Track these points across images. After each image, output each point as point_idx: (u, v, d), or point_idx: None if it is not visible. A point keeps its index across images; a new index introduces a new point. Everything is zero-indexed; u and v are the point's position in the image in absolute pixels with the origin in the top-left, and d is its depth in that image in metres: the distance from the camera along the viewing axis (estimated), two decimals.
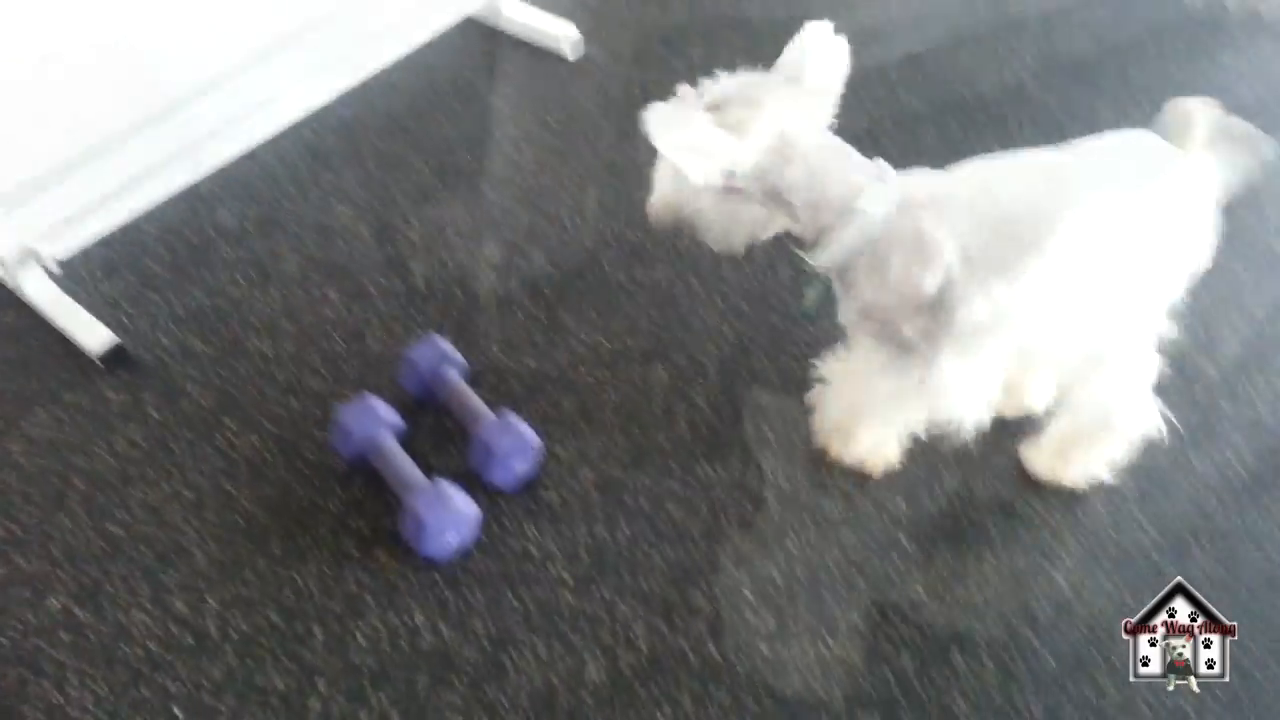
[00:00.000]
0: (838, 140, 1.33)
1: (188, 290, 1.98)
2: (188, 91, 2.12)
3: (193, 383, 1.83)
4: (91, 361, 1.84)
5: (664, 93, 2.34)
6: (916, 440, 1.64)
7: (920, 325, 1.34)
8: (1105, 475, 1.58)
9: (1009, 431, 1.67)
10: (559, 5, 2.58)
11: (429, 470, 1.62)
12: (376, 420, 1.64)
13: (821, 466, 1.64)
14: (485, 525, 1.58)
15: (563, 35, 2.48)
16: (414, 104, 2.38)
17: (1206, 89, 2.28)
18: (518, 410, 1.66)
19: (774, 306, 1.90)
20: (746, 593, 1.50)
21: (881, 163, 1.33)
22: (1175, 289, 1.40)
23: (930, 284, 1.29)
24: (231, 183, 2.18)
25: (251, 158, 2.21)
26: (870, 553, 1.54)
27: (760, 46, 2.42)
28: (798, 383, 1.74)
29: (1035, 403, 1.66)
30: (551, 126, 2.32)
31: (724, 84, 1.29)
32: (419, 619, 1.49)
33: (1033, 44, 2.50)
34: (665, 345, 1.85)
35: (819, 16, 1.33)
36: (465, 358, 1.78)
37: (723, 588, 1.51)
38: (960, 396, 1.41)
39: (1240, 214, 1.97)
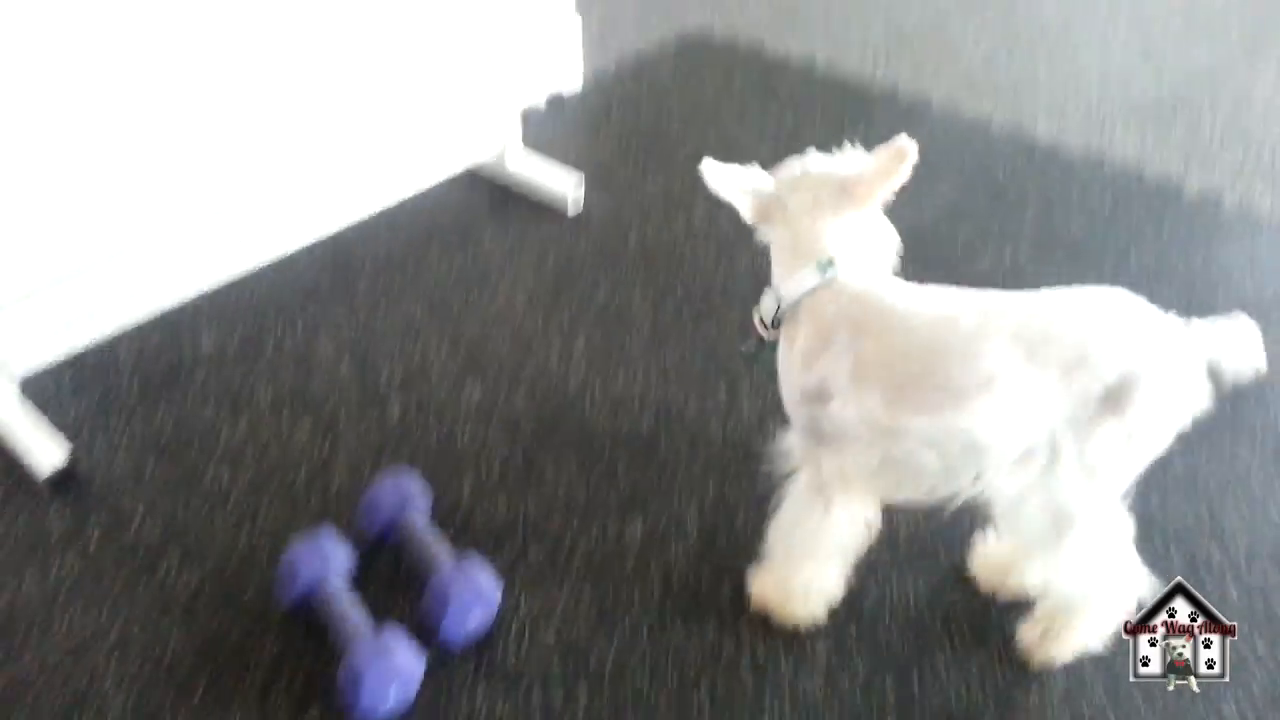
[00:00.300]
0: (831, 220, 1.36)
1: (153, 414, 1.91)
2: (182, 219, 2.12)
3: (141, 510, 1.72)
4: (40, 481, 1.74)
5: (663, 248, 2.35)
6: (907, 616, 1.52)
7: (805, 413, 1.36)
8: (1098, 647, 1.44)
9: (1005, 609, 1.55)
10: (562, 160, 2.61)
11: (378, 617, 1.49)
12: (325, 561, 1.52)
13: (804, 641, 1.51)
14: (431, 683, 1.44)
15: (566, 190, 2.50)
16: (412, 244, 2.37)
17: (1206, 277, 2.29)
18: (481, 556, 1.55)
19: (760, 463, 1.80)
20: None
21: (839, 255, 1.35)
22: (1139, 452, 1.27)
23: (809, 377, 1.32)
24: (217, 309, 2.14)
25: (241, 286, 2.18)
26: None
27: None
28: None
29: (1028, 582, 1.54)
30: (546, 273, 2.30)
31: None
32: None
33: (1032, 225, 2.50)
34: (644, 497, 1.74)
35: None
36: (432, 497, 1.68)
37: None
38: (841, 514, 1.39)
39: (1246, 404, 1.92)
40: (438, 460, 1.81)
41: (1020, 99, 3.09)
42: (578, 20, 3.03)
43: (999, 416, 1.22)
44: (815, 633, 1.52)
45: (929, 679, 1.46)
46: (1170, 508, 1.73)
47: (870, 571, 1.60)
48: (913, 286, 1.33)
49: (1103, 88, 3.16)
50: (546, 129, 2.86)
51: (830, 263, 1.34)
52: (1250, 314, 2.13)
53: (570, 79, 3.08)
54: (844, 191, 1.35)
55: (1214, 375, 1.26)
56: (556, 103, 3.01)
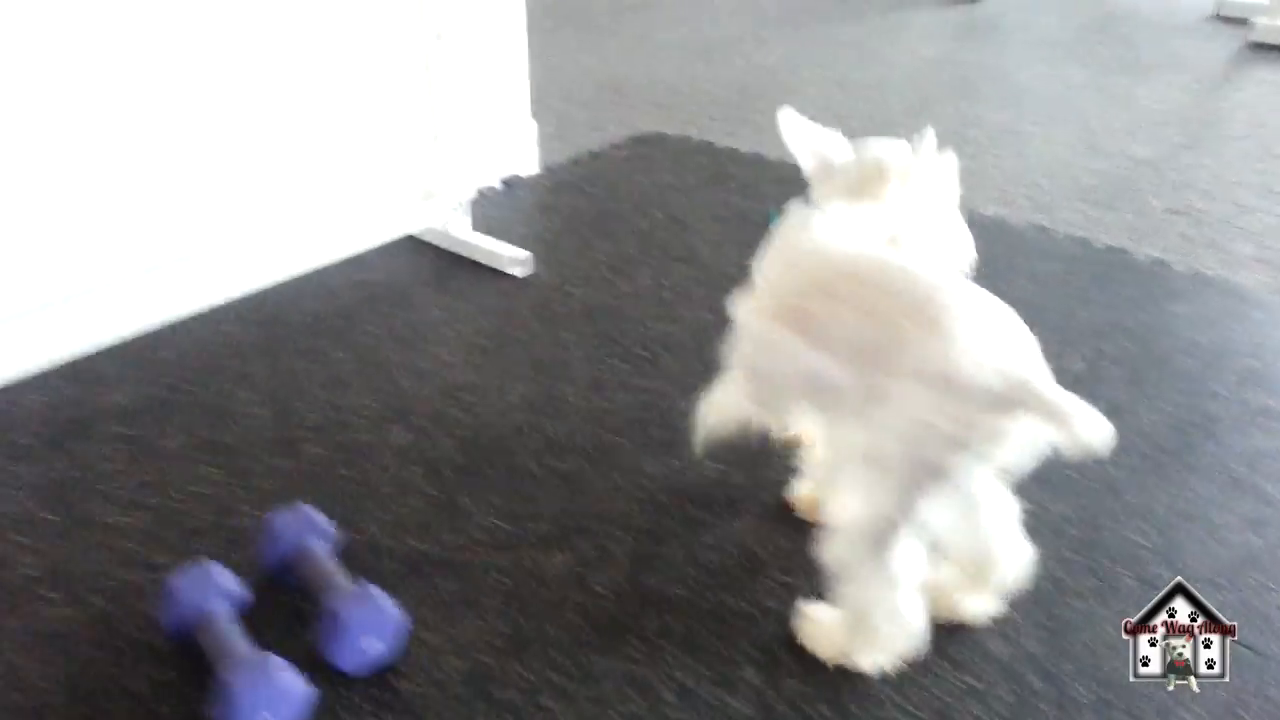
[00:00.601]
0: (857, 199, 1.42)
1: (54, 463, 1.79)
2: (101, 266, 2.07)
3: (25, 551, 1.59)
4: None
5: (606, 309, 2.30)
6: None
7: None
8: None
9: (944, 632, 1.43)
10: (512, 233, 2.59)
11: (267, 649, 1.35)
12: (212, 589, 1.39)
13: (734, 666, 1.38)
14: (321, 713, 1.29)
15: (510, 256, 2.47)
16: (346, 306, 2.31)
17: (1155, 329, 2.26)
18: (389, 592, 1.42)
19: (695, 501, 1.70)
20: None
21: (838, 212, 1.40)
22: (898, 444, 1.20)
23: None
24: (135, 361, 2.06)
25: (162, 338, 2.11)
26: None
27: (708, 276, 2.44)
28: (713, 574, 1.52)
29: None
30: (486, 330, 2.24)
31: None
32: None
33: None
34: (570, 531, 1.63)
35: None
36: (340, 533, 1.56)
37: None
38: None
39: (1198, 439, 1.85)
40: (351, 500, 1.70)
41: (968, 188, 3.12)
42: (533, 125, 3.10)
43: (825, 344, 1.25)
44: (744, 659, 1.39)
45: (864, 702, 1.32)
46: (1122, 534, 1.63)
47: (795, 600, 1.48)
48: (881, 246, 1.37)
49: (1049, 177, 3.21)
50: (499, 206, 2.87)
51: (822, 210, 1.40)
52: (1199, 360, 2.12)
53: (526, 165, 3.12)
54: (879, 178, 1.41)
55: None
56: (511, 183, 3.03)
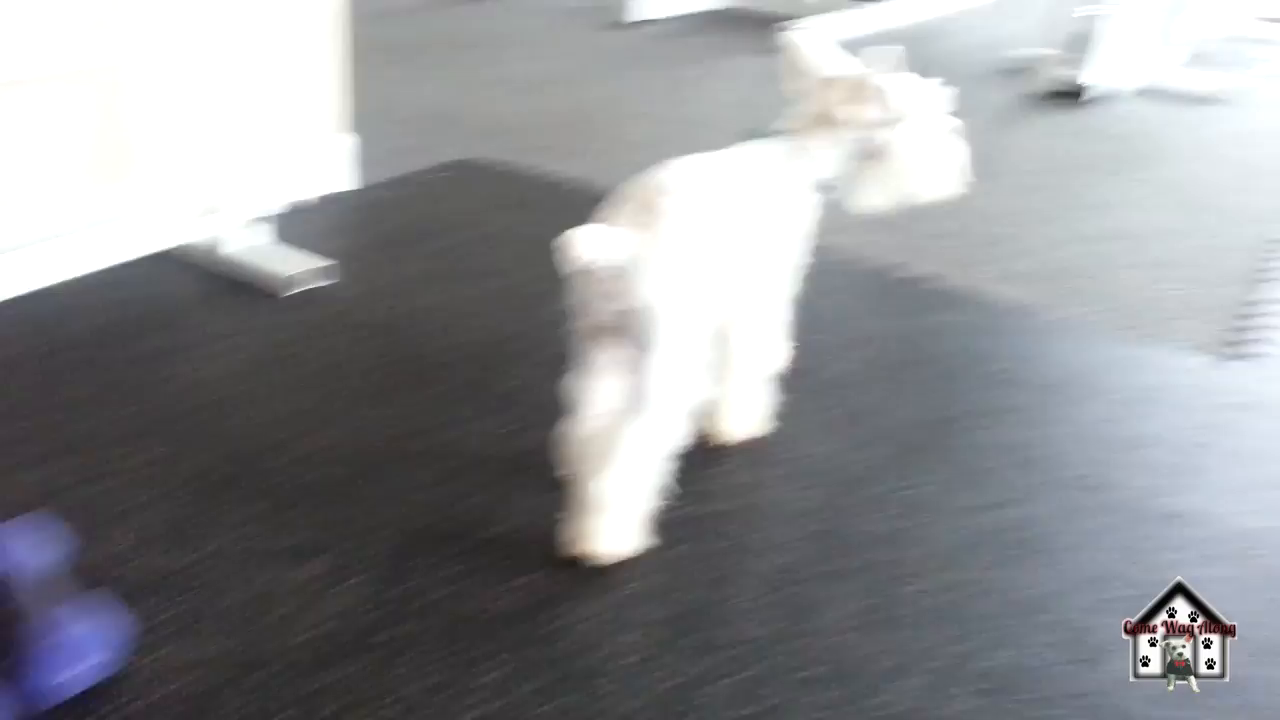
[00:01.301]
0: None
1: None
2: None
3: None
4: None
5: (405, 323, 2.27)
6: (589, 629, 1.41)
7: None
8: None
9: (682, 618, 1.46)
10: (313, 250, 2.52)
11: None
12: None
13: (468, 669, 1.37)
14: None
15: (303, 272, 2.41)
16: (117, 321, 2.21)
17: (918, 339, 2.39)
18: (125, 607, 1.36)
19: (453, 513, 1.69)
20: None
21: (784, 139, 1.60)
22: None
23: None
24: None
25: None
26: None
27: (511, 290, 2.44)
28: (460, 584, 1.53)
29: None
30: (268, 344, 2.17)
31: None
32: None
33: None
34: (320, 544, 1.59)
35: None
36: (77, 548, 1.48)
37: None
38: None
39: (944, 435, 1.97)
40: (98, 514, 1.62)
41: None
42: (346, 146, 3.04)
43: None
44: (483, 657, 1.39)
45: (621, 680, 1.34)
46: (855, 524, 1.72)
47: (551, 598, 1.50)
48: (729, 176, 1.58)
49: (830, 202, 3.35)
50: (302, 224, 2.78)
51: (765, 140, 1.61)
52: (956, 364, 2.26)
53: (336, 184, 3.04)
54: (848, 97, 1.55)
55: None
56: (316, 203, 2.95)
